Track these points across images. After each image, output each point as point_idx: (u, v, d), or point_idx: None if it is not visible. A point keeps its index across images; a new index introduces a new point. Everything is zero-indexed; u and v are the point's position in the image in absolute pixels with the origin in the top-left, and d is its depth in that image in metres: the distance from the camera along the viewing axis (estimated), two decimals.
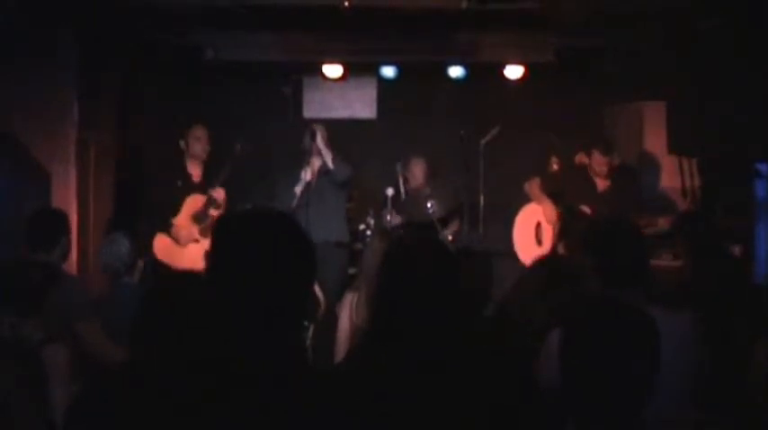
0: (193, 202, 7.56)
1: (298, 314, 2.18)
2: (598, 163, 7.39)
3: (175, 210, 7.52)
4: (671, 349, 2.56)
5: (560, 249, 7.27)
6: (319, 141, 7.51)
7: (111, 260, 5.46)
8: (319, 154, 7.58)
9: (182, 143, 7.71)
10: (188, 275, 3.18)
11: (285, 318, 2.12)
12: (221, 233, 2.20)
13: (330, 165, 7.52)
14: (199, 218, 7.49)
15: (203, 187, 7.64)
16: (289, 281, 2.13)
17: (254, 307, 2.09)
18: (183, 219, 7.50)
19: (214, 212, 7.50)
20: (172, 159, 7.84)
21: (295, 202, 7.50)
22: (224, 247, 2.16)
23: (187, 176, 7.72)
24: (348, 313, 5.12)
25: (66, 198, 7.12)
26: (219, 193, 7.58)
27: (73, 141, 7.23)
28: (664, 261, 6.62)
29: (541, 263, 4.16)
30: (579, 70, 8.76)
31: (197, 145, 7.68)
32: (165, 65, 8.55)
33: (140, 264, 5.60)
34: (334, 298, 6.63)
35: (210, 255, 2.18)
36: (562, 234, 7.41)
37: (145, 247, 6.86)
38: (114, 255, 5.46)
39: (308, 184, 7.52)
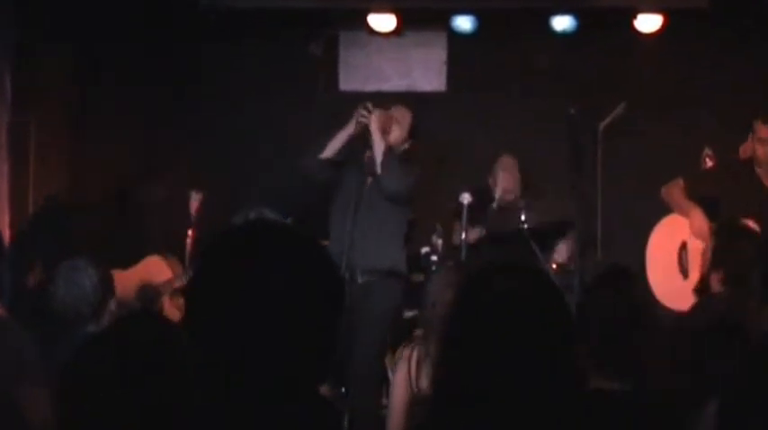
0: (151, 267, 7.42)
1: (313, 366, 2.31)
2: (763, 140, 7.31)
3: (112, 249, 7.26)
4: None
5: (713, 284, 6.94)
6: (374, 130, 7.34)
7: (70, 299, 5.41)
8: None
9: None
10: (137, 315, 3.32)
11: (292, 370, 2.25)
12: (210, 254, 2.40)
13: (377, 166, 7.28)
14: (147, 296, 7.34)
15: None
16: (300, 314, 2.28)
17: (246, 353, 2.23)
18: (127, 283, 7.14)
19: (168, 301, 7.46)
20: (139, 161, 8.05)
21: (335, 212, 7.45)
22: (210, 273, 2.35)
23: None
24: (405, 376, 5.24)
25: None
26: (194, 205, 7.57)
27: (5, 126, 7.71)
28: None
29: (702, 309, 4.23)
30: (742, 20, 8.89)
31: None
32: (143, 17, 8.69)
33: (112, 304, 5.56)
34: (382, 347, 7.21)
35: (193, 283, 2.38)
36: (716, 261, 7.05)
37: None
38: (75, 290, 5.40)
39: (356, 189, 7.40)
